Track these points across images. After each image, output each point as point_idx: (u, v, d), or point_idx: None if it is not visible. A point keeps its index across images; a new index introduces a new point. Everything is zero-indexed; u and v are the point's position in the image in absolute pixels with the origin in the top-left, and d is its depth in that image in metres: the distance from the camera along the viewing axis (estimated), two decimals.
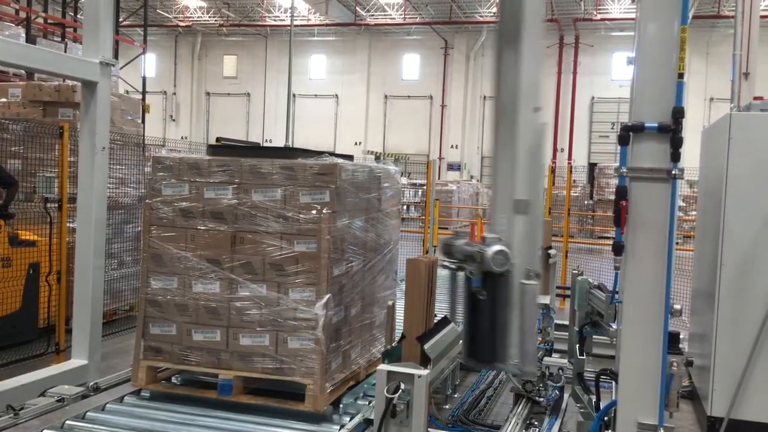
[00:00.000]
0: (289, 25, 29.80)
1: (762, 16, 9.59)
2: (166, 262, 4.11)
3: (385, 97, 38.82)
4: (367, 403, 4.17)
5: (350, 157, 4.59)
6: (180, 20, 38.19)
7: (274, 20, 37.21)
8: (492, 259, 3.95)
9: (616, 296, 3.72)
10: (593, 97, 35.54)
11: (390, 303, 4.60)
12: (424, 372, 3.46)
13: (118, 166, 7.81)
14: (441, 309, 6.01)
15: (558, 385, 4.81)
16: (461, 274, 3.99)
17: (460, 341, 4.95)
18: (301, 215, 3.90)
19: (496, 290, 4.14)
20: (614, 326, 4.07)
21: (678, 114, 3.32)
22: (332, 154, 4.16)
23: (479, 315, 4.22)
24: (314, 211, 3.88)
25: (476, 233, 3.96)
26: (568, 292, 7.08)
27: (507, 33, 4.06)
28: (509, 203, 4.17)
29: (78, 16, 18.63)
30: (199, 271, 4.05)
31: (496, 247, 3.96)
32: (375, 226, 4.54)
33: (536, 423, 4.54)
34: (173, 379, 4.34)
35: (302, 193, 3.91)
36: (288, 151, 4.32)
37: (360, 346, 4.44)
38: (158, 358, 4.14)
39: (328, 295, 3.88)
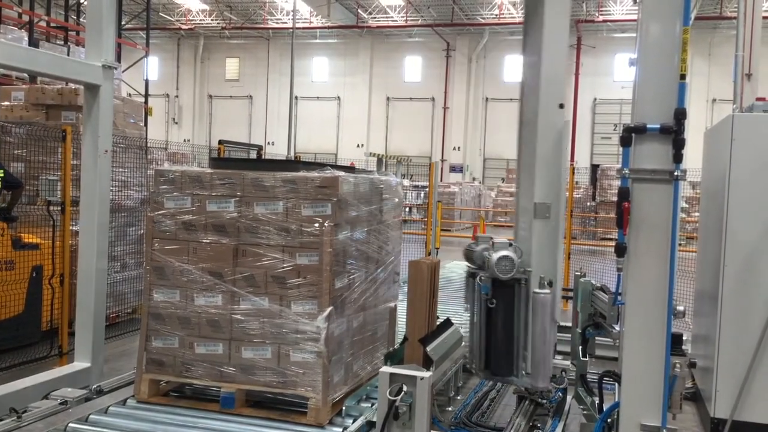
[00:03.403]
0: (291, 28, 29.85)
1: (765, 17, 9.59)
2: (168, 275, 4.11)
3: (387, 99, 38.84)
4: (369, 405, 4.17)
5: (352, 169, 4.58)
6: (182, 23, 38.26)
7: (276, 23, 37.27)
8: (496, 264, 3.91)
9: (619, 298, 3.71)
10: (595, 99, 35.52)
11: (392, 305, 4.58)
12: (426, 374, 3.46)
13: (120, 169, 7.82)
14: (443, 311, 6.01)
15: (561, 386, 4.80)
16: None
17: (463, 343, 4.96)
18: (302, 228, 3.89)
19: (504, 298, 4.08)
20: (617, 328, 4.07)
21: (680, 115, 3.32)
22: (334, 166, 4.15)
23: (491, 324, 4.19)
24: (316, 224, 3.87)
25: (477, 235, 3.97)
26: (571, 294, 7.08)
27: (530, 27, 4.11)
28: (530, 207, 4.13)
29: (81, 19, 18.65)
30: (201, 284, 4.05)
31: (502, 253, 3.90)
32: (377, 237, 4.54)
33: (539, 425, 4.53)
34: (171, 394, 4.33)
35: (304, 206, 3.91)
36: (290, 164, 4.33)
37: (362, 358, 4.43)
38: (161, 371, 4.13)
39: (330, 308, 3.87)
